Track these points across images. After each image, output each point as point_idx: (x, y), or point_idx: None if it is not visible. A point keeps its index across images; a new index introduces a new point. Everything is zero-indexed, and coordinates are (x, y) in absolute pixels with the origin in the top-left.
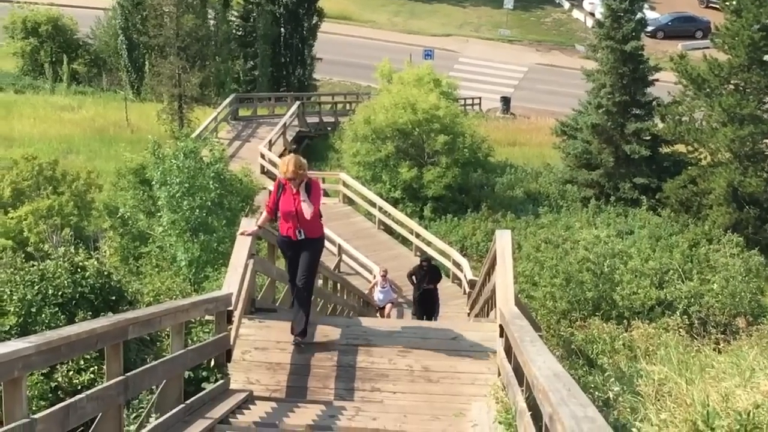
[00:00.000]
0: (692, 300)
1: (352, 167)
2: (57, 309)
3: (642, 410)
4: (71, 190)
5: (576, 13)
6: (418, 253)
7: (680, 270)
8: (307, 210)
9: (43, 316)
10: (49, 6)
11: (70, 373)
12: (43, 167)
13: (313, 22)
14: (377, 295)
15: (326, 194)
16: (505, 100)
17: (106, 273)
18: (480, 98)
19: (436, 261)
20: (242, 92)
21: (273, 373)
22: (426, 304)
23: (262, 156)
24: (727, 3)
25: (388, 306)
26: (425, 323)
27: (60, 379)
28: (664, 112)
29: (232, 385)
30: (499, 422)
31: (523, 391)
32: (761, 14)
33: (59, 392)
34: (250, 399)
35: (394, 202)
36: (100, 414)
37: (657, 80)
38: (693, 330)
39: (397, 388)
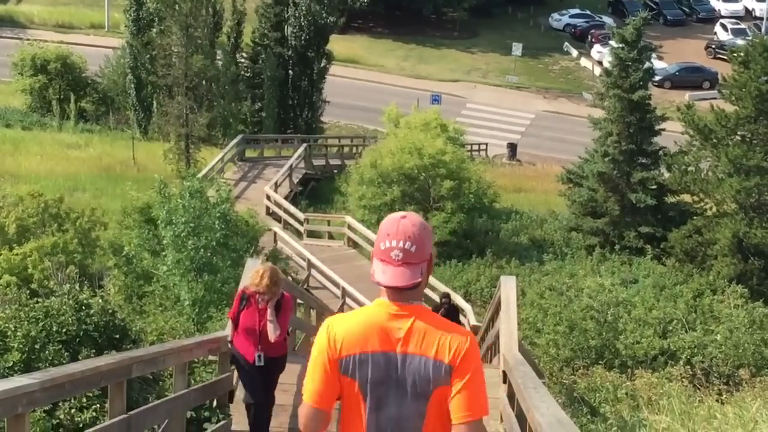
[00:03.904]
0: (695, 350)
1: (357, 210)
2: (61, 346)
3: None
4: (76, 227)
5: (584, 62)
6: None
7: (684, 320)
8: (272, 333)
9: (47, 353)
10: (58, 44)
11: (73, 410)
12: (49, 204)
13: (322, 65)
14: None
15: (331, 237)
16: (512, 147)
17: (110, 311)
18: (486, 144)
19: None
20: (249, 133)
21: (275, 415)
22: None
23: (268, 197)
24: (735, 54)
25: None
26: None
27: (62, 417)
28: (671, 162)
29: (234, 426)
30: None
31: None
32: None
33: (61, 430)
34: None
35: None
36: None
37: (664, 130)
38: (696, 380)
39: None
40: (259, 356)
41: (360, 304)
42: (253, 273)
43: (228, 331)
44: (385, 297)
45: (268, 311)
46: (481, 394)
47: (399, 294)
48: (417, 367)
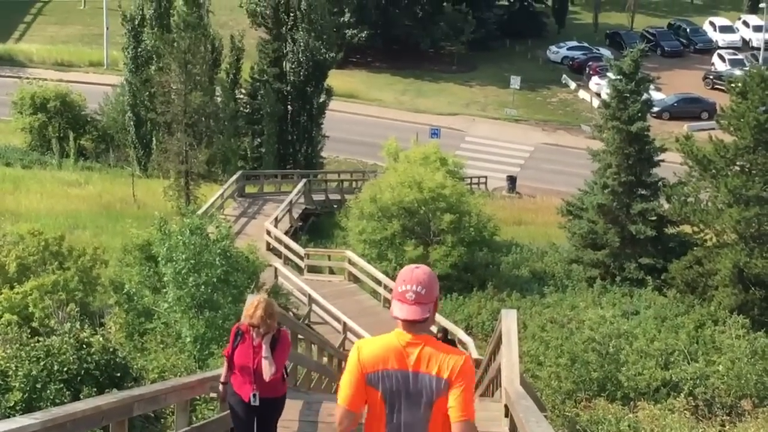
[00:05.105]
0: (698, 381)
1: (357, 245)
2: (62, 385)
3: None
4: (77, 265)
5: (582, 94)
6: None
7: (686, 351)
8: (267, 371)
9: (48, 392)
10: (57, 82)
11: None
12: (49, 242)
13: (321, 100)
14: None
15: (332, 272)
16: (511, 179)
17: (111, 349)
18: (486, 177)
19: (452, 335)
20: (249, 169)
21: None
22: None
23: (268, 233)
24: (733, 85)
25: None
26: None
27: None
28: (670, 193)
29: None
30: None
31: None
32: (767, 96)
33: None
34: None
35: None
36: None
37: (663, 161)
38: (698, 411)
39: None
40: (254, 395)
41: (361, 338)
42: (248, 304)
43: (222, 370)
44: (401, 328)
45: (263, 347)
46: (470, 401)
47: (412, 326)
48: (424, 382)
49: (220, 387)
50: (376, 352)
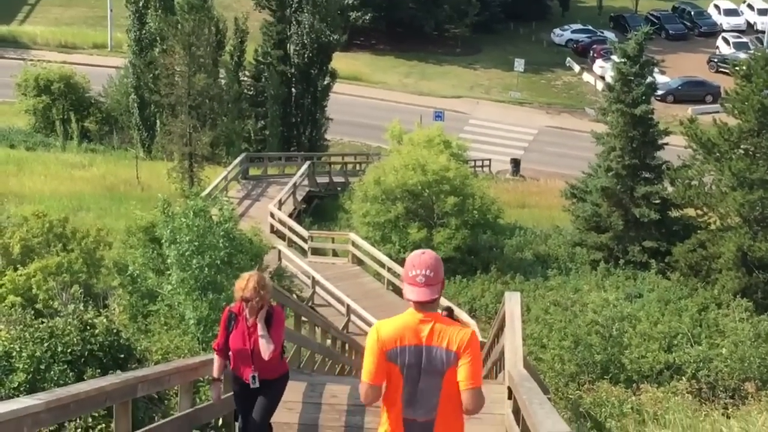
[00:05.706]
0: (701, 364)
1: (361, 228)
2: (66, 366)
3: None
4: (81, 247)
5: (586, 77)
6: None
7: (689, 334)
8: (265, 349)
9: (52, 373)
10: (61, 64)
11: (78, 431)
12: (53, 224)
13: (326, 82)
14: None
15: (336, 254)
16: (515, 162)
17: (115, 331)
18: (490, 160)
19: (455, 316)
20: (253, 151)
21: None
22: None
23: (272, 215)
24: (737, 68)
25: None
26: None
27: None
28: (674, 176)
29: None
30: None
31: None
32: None
33: None
34: None
35: (403, 264)
36: None
37: (667, 144)
38: (701, 394)
39: None
40: (254, 377)
41: (365, 320)
42: (238, 281)
43: (213, 358)
44: (413, 308)
45: (258, 326)
46: (478, 370)
47: (423, 306)
48: (435, 355)
49: (212, 381)
50: (392, 331)
